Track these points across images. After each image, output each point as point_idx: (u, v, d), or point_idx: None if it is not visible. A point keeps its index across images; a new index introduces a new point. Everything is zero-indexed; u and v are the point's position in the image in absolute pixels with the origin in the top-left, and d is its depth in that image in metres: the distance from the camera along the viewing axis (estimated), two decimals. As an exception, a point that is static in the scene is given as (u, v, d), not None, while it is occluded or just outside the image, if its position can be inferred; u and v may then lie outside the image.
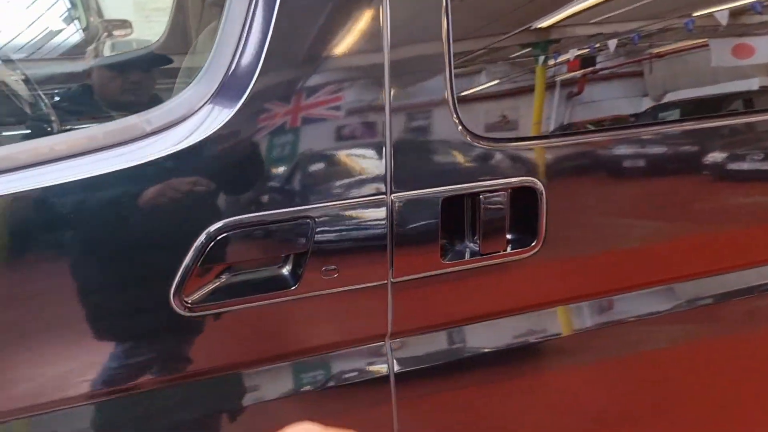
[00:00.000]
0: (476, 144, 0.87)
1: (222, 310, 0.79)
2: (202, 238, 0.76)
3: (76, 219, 0.72)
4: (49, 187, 0.70)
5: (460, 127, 0.86)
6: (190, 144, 0.75)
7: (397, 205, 0.84)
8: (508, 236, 0.93)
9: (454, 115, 0.85)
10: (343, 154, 0.81)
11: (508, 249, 0.93)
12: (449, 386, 0.96)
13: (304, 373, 0.88)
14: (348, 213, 0.82)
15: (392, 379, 0.91)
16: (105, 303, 0.75)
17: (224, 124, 0.76)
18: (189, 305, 0.77)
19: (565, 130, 0.95)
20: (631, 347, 1.08)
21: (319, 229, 0.80)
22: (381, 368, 0.91)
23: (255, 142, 0.78)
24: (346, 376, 0.89)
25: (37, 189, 0.70)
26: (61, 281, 0.73)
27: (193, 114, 0.77)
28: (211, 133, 0.75)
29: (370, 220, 0.83)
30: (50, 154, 0.72)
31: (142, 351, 0.78)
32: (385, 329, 0.90)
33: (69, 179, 0.71)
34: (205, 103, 0.77)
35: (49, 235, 0.71)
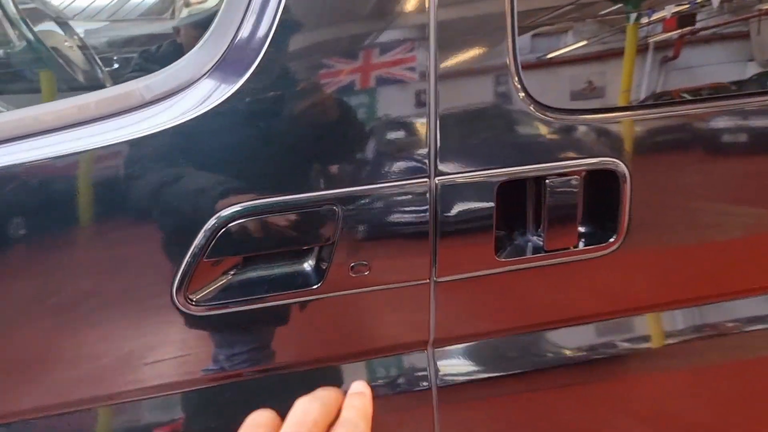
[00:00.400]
0: (543, 117, 0.71)
1: (232, 309, 0.69)
2: (209, 225, 0.65)
3: (66, 201, 0.63)
4: (33, 163, 0.61)
5: (523, 95, 0.70)
6: (197, 114, 0.64)
7: (441, 190, 0.69)
8: (581, 229, 0.77)
9: (517, 83, 0.69)
10: (377, 130, 0.67)
11: (580, 245, 0.76)
12: (500, 404, 0.81)
13: (330, 385, 0.76)
14: (382, 199, 0.68)
15: (434, 392, 0.78)
16: (97, 297, 0.66)
17: (235, 92, 0.64)
18: (194, 303, 0.67)
19: (658, 100, 0.76)
20: (728, 360, 0.90)
21: (346, 218, 0.68)
22: (421, 380, 0.78)
23: (272, 113, 0.65)
24: (381, 388, 0.77)
25: (18, 166, 0.61)
26: (40, 273, 0.64)
27: (199, 79, 0.65)
28: (220, 102, 0.64)
29: (409, 208, 0.69)
30: (36, 125, 0.62)
31: (139, 352, 0.69)
32: (427, 336, 0.77)
33: (57, 154, 0.62)
34: (213, 67, 0.65)
35: (33, 220, 0.62)
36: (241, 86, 0.64)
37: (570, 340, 0.82)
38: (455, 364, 0.79)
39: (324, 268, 0.70)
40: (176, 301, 0.66)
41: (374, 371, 0.77)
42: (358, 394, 0.48)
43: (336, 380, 0.76)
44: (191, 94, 0.65)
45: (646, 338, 0.86)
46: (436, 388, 0.78)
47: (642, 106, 0.75)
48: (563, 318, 0.81)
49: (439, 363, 0.79)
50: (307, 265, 0.71)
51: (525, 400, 0.82)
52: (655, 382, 0.87)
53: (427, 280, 0.73)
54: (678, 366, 0.87)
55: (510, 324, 0.80)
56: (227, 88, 0.64)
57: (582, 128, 0.73)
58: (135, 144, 0.63)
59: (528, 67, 0.70)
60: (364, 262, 0.70)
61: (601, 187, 0.76)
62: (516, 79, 0.69)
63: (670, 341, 0.86)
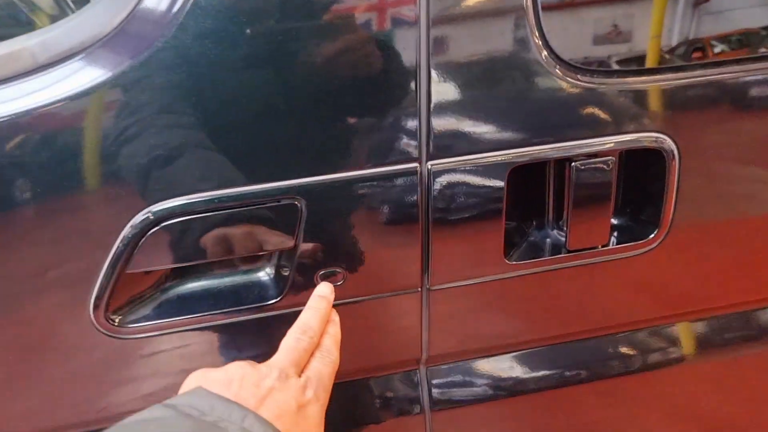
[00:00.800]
0: (571, 79, 0.54)
1: (165, 332, 0.54)
2: (136, 222, 0.50)
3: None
4: None
5: (545, 54, 0.53)
6: (112, 77, 0.48)
7: (435, 177, 0.54)
8: (614, 222, 0.61)
9: (537, 35, 0.52)
10: (347, 100, 0.50)
11: (612, 242, 0.61)
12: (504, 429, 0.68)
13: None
14: (355, 191, 0.53)
15: (427, 417, 0.65)
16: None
17: (164, 46, 0.47)
18: (116, 324, 0.53)
19: (724, 57, 0.58)
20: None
21: (311, 215, 0.52)
22: (412, 403, 0.65)
23: (208, 77, 0.48)
24: (366, 412, 0.64)
25: None
26: None
27: (113, 32, 0.49)
28: (144, 59, 0.47)
29: (393, 202, 0.54)
30: None
31: (50, 384, 0.55)
32: (419, 353, 0.63)
33: None
34: (128, 17, 0.48)
35: None
36: (172, 36, 0.47)
37: (590, 356, 0.68)
38: (452, 385, 0.65)
39: (285, 277, 0.55)
40: (94, 320, 0.52)
41: (357, 395, 0.63)
42: (333, 323, 0.53)
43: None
44: (102, 52, 0.49)
45: (679, 351, 0.71)
46: (430, 412, 0.65)
47: (702, 65, 0.57)
48: (584, 329, 0.66)
49: (433, 384, 0.65)
50: (264, 275, 0.57)
51: (534, 424, 0.68)
52: (689, 401, 0.73)
53: (418, 289, 0.58)
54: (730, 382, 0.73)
55: (518, 339, 0.65)
56: (151, 39, 0.48)
57: (621, 95, 0.56)
58: (28, 120, 0.47)
59: (550, 9, 0.53)
60: (337, 270, 0.55)
61: (639, 170, 0.60)
62: (535, 29, 0.52)
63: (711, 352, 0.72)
